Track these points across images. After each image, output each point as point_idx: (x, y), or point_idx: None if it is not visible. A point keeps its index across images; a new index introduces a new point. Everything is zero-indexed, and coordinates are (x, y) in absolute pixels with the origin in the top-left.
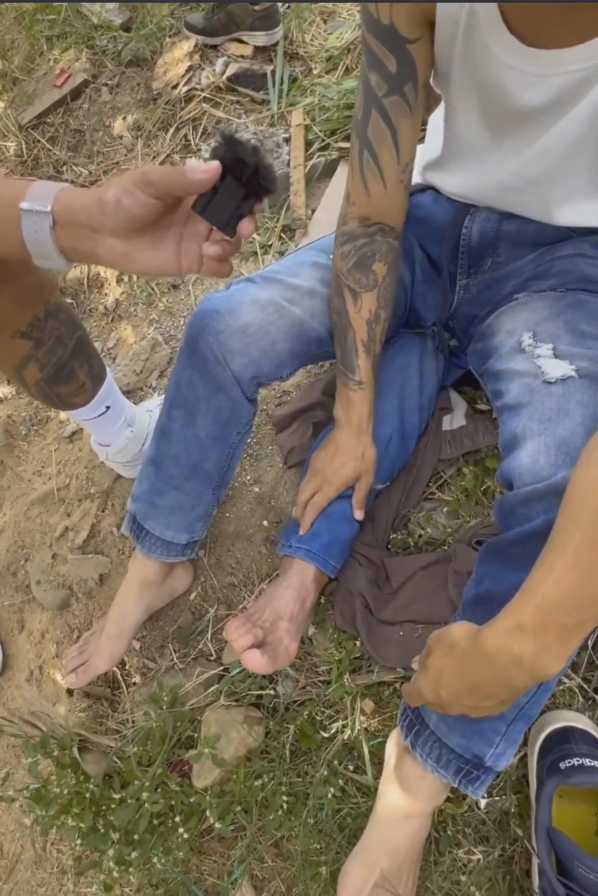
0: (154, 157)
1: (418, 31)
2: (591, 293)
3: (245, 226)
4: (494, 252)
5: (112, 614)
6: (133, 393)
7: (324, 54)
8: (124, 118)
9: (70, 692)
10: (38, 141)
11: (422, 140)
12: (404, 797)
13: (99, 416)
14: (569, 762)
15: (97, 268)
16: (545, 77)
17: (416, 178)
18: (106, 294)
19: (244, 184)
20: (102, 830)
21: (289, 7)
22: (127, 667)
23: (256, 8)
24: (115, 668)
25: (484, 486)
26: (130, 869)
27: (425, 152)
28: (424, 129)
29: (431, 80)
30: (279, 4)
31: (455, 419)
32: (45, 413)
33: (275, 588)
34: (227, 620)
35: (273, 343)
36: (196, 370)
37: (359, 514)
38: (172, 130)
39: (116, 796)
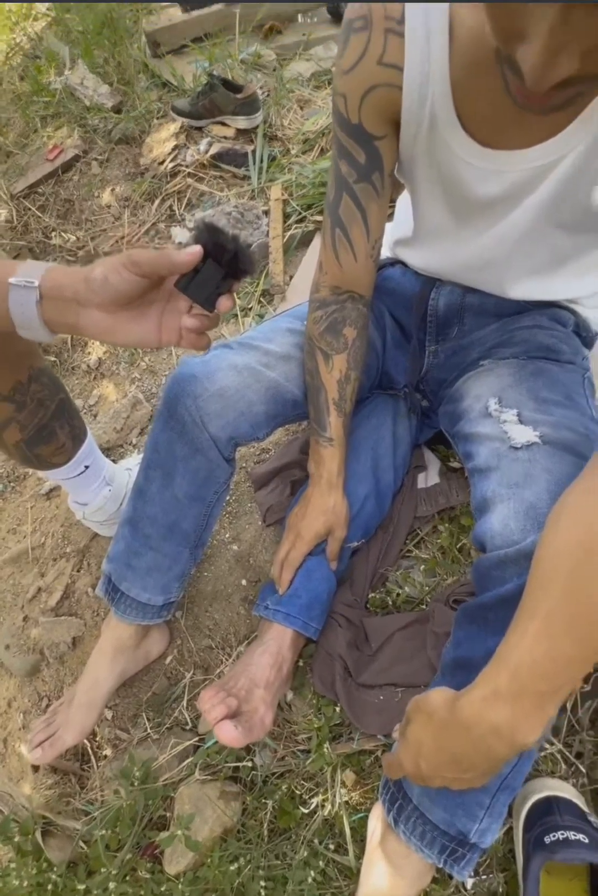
0: (140, 226)
1: (384, 130)
2: (550, 361)
3: (224, 302)
4: (459, 321)
5: (83, 682)
6: (113, 450)
7: (300, 137)
8: (113, 190)
9: (35, 768)
10: (29, 209)
11: (391, 218)
12: (388, 879)
13: (78, 475)
14: (554, 836)
15: None
16: (500, 173)
17: (386, 252)
18: (89, 353)
19: (224, 266)
20: None
21: (268, 95)
22: (98, 738)
23: (238, 96)
24: (85, 740)
25: (460, 544)
26: None
27: (394, 230)
28: (392, 207)
29: (396, 172)
30: (259, 93)
31: (430, 477)
32: (23, 470)
33: (251, 653)
34: (203, 686)
35: (249, 405)
36: (174, 432)
37: (333, 565)
38: (157, 201)
39: (81, 887)
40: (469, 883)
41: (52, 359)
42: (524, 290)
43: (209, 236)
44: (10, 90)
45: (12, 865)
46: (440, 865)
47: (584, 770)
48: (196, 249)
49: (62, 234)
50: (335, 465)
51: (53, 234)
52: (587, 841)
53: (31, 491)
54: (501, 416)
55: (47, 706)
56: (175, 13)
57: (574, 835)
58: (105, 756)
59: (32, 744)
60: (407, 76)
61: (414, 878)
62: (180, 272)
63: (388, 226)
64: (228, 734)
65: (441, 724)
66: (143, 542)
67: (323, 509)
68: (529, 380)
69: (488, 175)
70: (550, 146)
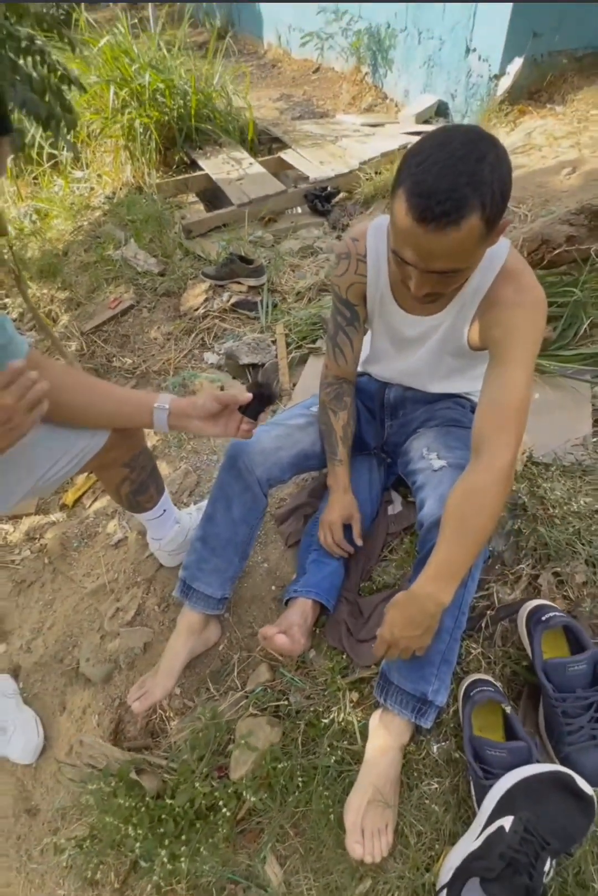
0: (180, 352)
1: (358, 302)
2: (455, 426)
3: (261, 419)
4: (403, 408)
5: (165, 657)
6: None
7: (294, 291)
8: (159, 328)
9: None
10: (95, 342)
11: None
12: (381, 739)
13: (158, 516)
14: (476, 690)
15: None
16: (413, 326)
17: (359, 368)
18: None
19: (263, 401)
20: (157, 835)
21: (269, 263)
22: (167, 712)
23: (249, 266)
24: (160, 708)
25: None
26: (182, 860)
27: (362, 354)
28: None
29: (364, 323)
30: (263, 262)
31: (395, 507)
32: (94, 528)
33: (286, 613)
34: (248, 663)
35: (280, 459)
36: (232, 476)
37: (359, 542)
38: (193, 335)
39: (170, 802)
40: (435, 748)
41: None
42: (437, 388)
43: (257, 387)
44: (77, 260)
45: (117, 795)
46: (413, 719)
47: (494, 665)
48: (249, 396)
49: (121, 359)
50: (345, 477)
51: (114, 359)
52: (495, 689)
53: (101, 544)
54: (428, 457)
55: (119, 706)
56: (201, 210)
57: (488, 688)
58: (174, 724)
59: (131, 699)
60: (369, 279)
61: (397, 734)
62: (241, 405)
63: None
64: (282, 641)
65: (403, 602)
66: (210, 552)
67: (343, 505)
68: (443, 437)
69: (408, 327)
70: (437, 316)
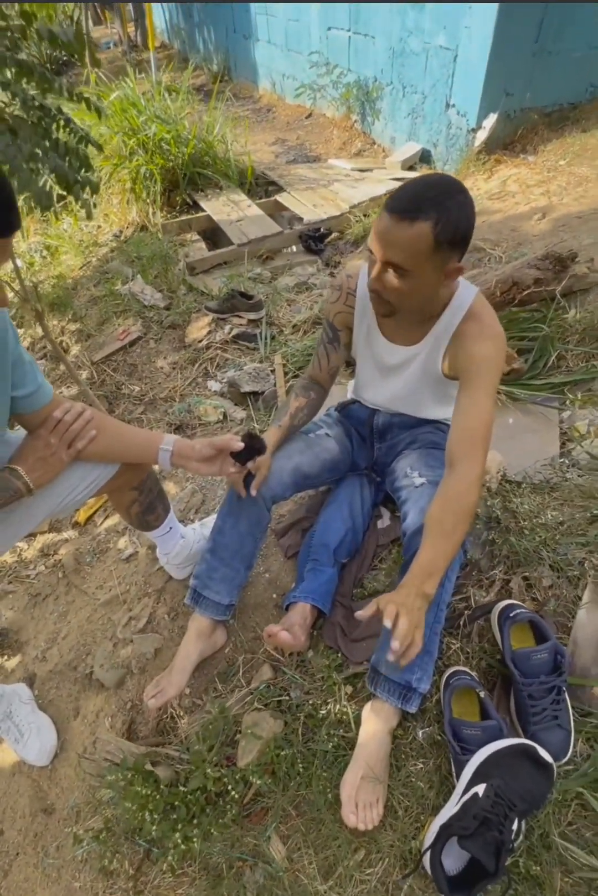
0: (185, 380)
1: (341, 328)
2: (436, 448)
3: (249, 465)
4: (390, 431)
5: (177, 658)
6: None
7: (291, 324)
8: (165, 358)
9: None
10: (105, 370)
11: (352, 376)
12: (372, 724)
13: (165, 533)
14: (455, 679)
15: None
16: (397, 352)
17: (350, 395)
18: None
19: (252, 452)
20: (171, 820)
21: (267, 298)
22: (178, 711)
23: (249, 300)
24: (170, 707)
25: (403, 559)
26: (194, 841)
27: (353, 385)
28: (352, 372)
29: (352, 353)
30: (262, 297)
31: (384, 522)
32: (106, 545)
33: (288, 615)
34: (252, 664)
35: (281, 479)
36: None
37: (253, 492)
38: (196, 365)
39: (182, 789)
40: (420, 733)
41: None
42: (419, 413)
43: (247, 439)
44: (86, 294)
45: (134, 784)
46: (399, 705)
47: (471, 659)
48: (241, 444)
49: (129, 387)
50: (273, 440)
51: (123, 387)
52: (471, 677)
53: (112, 558)
54: (411, 475)
55: (131, 708)
56: (203, 248)
57: (465, 676)
58: (184, 721)
59: (147, 697)
60: (357, 312)
61: (386, 719)
62: (232, 451)
63: (350, 383)
64: (285, 637)
65: (392, 597)
66: (219, 562)
67: (261, 459)
68: (425, 457)
69: (390, 354)
70: (415, 347)
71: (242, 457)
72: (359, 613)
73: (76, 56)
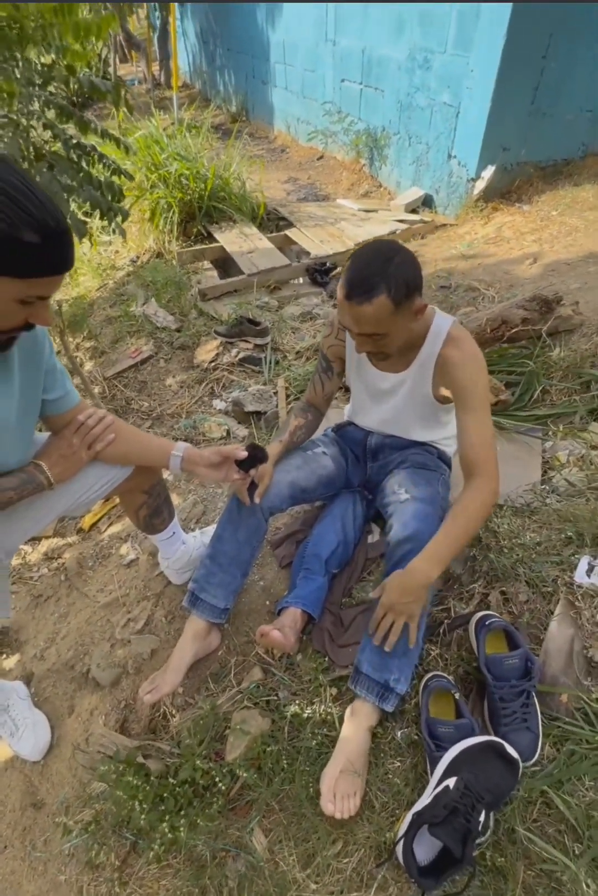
0: (192, 398)
1: (334, 359)
2: (423, 469)
3: (252, 473)
4: (382, 452)
5: (173, 656)
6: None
7: (294, 350)
8: (174, 377)
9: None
10: (116, 386)
11: (348, 401)
12: (352, 722)
13: (168, 537)
14: (433, 681)
15: None
16: (386, 379)
17: (346, 418)
18: (168, 475)
19: (255, 460)
20: (159, 811)
21: (273, 325)
22: (170, 709)
23: (256, 327)
24: (163, 704)
25: None
26: (181, 831)
27: (348, 410)
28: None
29: (345, 380)
30: (269, 324)
31: (374, 537)
32: (109, 550)
33: (280, 618)
34: (244, 665)
35: (280, 492)
36: (242, 504)
37: (257, 500)
38: (203, 384)
39: (172, 781)
40: (399, 734)
41: None
42: (409, 435)
43: (251, 449)
44: (102, 314)
45: (125, 775)
46: (377, 703)
47: (450, 665)
48: (245, 453)
49: (139, 402)
50: (275, 454)
51: (132, 402)
52: (448, 680)
53: (114, 563)
54: (398, 492)
55: (124, 707)
56: (215, 277)
57: (442, 679)
58: (176, 718)
59: (143, 692)
60: (347, 345)
61: (365, 716)
62: (237, 460)
63: (346, 407)
64: (277, 636)
65: (399, 575)
66: (217, 568)
67: (264, 469)
68: (412, 476)
69: (380, 381)
70: (403, 373)
71: (245, 464)
72: (372, 594)
73: (111, 101)
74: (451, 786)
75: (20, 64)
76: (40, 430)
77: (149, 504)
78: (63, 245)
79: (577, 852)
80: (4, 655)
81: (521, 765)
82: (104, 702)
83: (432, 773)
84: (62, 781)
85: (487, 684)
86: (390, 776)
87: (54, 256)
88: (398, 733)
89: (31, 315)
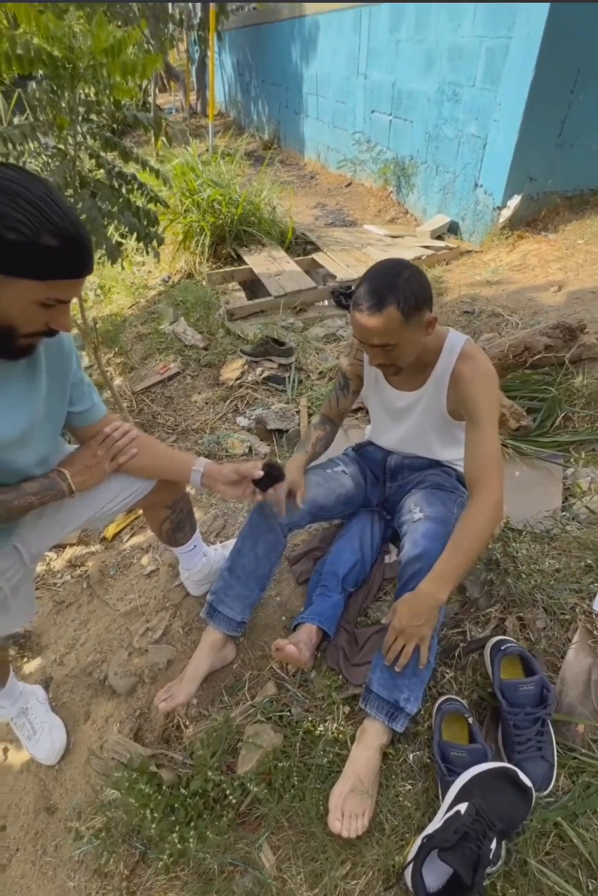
0: (216, 415)
1: (352, 377)
2: (440, 490)
3: (269, 492)
4: (401, 472)
5: (189, 667)
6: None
7: (318, 370)
8: (199, 393)
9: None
10: (144, 400)
11: (369, 422)
12: (363, 741)
13: (190, 550)
14: (447, 704)
15: None
16: (402, 398)
17: (367, 438)
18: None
19: (272, 479)
20: (170, 821)
21: (298, 346)
22: (184, 720)
23: (281, 347)
24: (177, 715)
25: None
26: (190, 842)
27: (369, 430)
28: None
29: (362, 400)
30: (293, 345)
31: (392, 557)
32: (130, 560)
33: (295, 633)
34: (258, 679)
35: (300, 509)
36: (261, 518)
37: (300, 503)
38: (228, 401)
39: (184, 792)
40: (411, 756)
41: None
42: (427, 453)
43: (268, 467)
44: (133, 331)
45: (138, 783)
46: (386, 722)
47: (464, 689)
48: (262, 472)
49: (164, 417)
50: (302, 463)
51: (159, 417)
52: (462, 704)
53: (135, 573)
54: (413, 511)
55: (139, 715)
56: (243, 298)
57: (456, 702)
58: (189, 729)
59: (159, 700)
60: (365, 364)
61: (376, 735)
62: (254, 479)
63: (367, 428)
64: (292, 650)
65: (409, 599)
66: (235, 581)
67: (293, 479)
68: (428, 496)
69: (397, 399)
70: (419, 391)
71: (262, 484)
72: (384, 620)
73: (152, 132)
74: (462, 810)
75: (66, 96)
76: (70, 442)
77: (172, 519)
78: (81, 251)
79: (591, 888)
80: (26, 659)
81: (534, 794)
82: (120, 709)
83: (443, 797)
84: (75, 787)
85: (501, 710)
86: (401, 799)
87: (73, 261)
88: (410, 756)
89: (52, 320)
